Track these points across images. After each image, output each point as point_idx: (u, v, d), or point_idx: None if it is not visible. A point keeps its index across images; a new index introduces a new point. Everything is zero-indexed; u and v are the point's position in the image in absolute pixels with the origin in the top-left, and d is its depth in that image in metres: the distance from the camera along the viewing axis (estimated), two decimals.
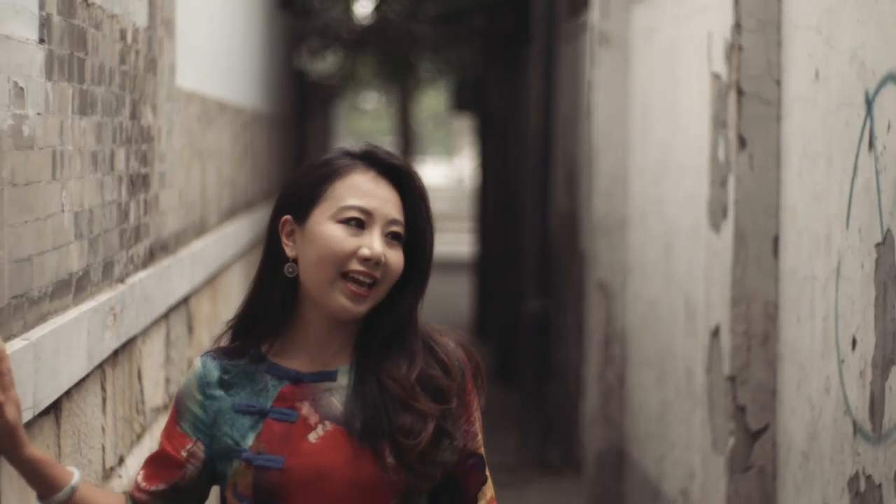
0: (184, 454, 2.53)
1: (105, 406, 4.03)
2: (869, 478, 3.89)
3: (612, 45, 7.57)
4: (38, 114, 3.09)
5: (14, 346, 2.88)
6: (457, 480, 2.55)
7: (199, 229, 5.98)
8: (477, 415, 2.58)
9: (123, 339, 4.08)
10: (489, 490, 2.59)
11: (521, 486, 9.16)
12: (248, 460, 2.46)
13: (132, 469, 4.44)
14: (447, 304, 17.98)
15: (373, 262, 2.45)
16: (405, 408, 2.46)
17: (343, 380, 2.50)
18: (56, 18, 3.25)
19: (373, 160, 2.52)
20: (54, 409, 3.35)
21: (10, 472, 2.97)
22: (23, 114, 2.96)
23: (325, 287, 2.46)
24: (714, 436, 5.19)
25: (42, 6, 3.13)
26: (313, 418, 2.48)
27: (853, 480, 4.02)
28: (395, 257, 2.49)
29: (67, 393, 3.46)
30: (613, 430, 7.67)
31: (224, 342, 2.60)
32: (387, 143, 46.56)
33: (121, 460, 4.30)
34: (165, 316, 5.04)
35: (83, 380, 3.64)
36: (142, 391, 4.64)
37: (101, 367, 3.91)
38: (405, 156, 36.73)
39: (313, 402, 2.49)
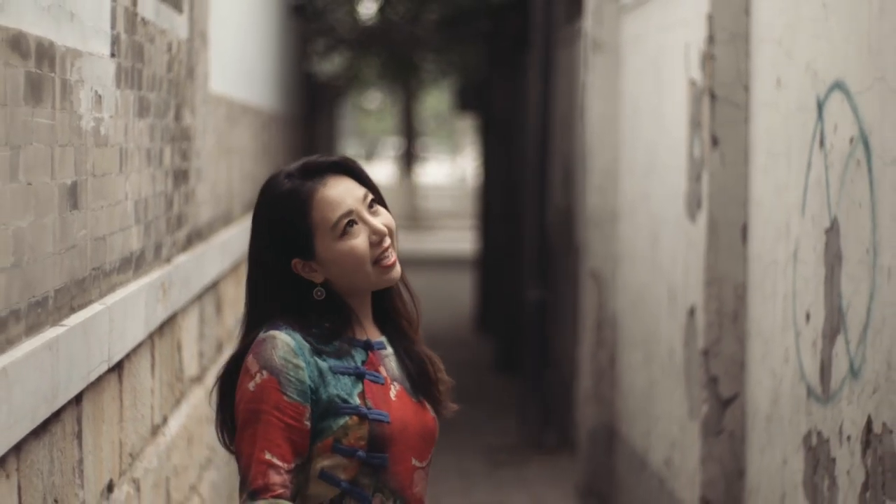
0: (307, 423, 2.75)
1: (153, 371, 4.62)
2: (819, 434, 4.47)
3: (604, 51, 8.13)
4: (111, 117, 3.69)
5: (94, 309, 3.48)
6: None
7: (226, 220, 6.58)
8: None
9: (170, 312, 4.67)
10: None
11: (520, 464, 9.77)
12: (364, 415, 2.78)
13: (173, 428, 5.03)
14: (451, 298, 18.55)
15: (384, 237, 2.86)
16: (420, 351, 2.97)
17: (389, 348, 2.93)
18: (123, 36, 3.85)
19: (316, 171, 2.86)
20: (118, 367, 3.95)
21: (92, 413, 3.58)
22: (100, 117, 3.56)
23: (366, 280, 2.86)
24: (690, 405, 5.79)
25: (113, 26, 3.73)
26: (388, 380, 2.87)
27: (807, 437, 4.60)
28: (386, 217, 2.89)
29: (128, 355, 4.05)
30: (605, 408, 8.24)
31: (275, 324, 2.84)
32: (390, 142, 47.16)
33: (164, 420, 4.89)
34: (200, 296, 5.64)
35: (139, 345, 4.24)
36: (181, 361, 5.24)
37: (151, 336, 4.51)
38: (408, 155, 37.28)
39: (384, 366, 2.88)
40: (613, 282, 8.18)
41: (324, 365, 2.78)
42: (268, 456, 2.70)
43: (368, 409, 2.78)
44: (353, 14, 21.77)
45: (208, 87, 5.78)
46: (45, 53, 2.99)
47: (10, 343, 2.77)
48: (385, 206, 2.93)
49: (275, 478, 2.69)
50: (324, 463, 2.77)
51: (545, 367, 10.65)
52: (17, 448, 2.84)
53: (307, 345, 2.78)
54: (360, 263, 2.83)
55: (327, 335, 2.82)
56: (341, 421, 2.76)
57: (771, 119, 5.16)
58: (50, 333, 3.02)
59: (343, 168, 2.89)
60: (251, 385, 2.74)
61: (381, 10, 21.16)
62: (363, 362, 2.83)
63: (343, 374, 2.79)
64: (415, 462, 2.86)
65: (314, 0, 16.22)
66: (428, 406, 2.92)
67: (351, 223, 2.83)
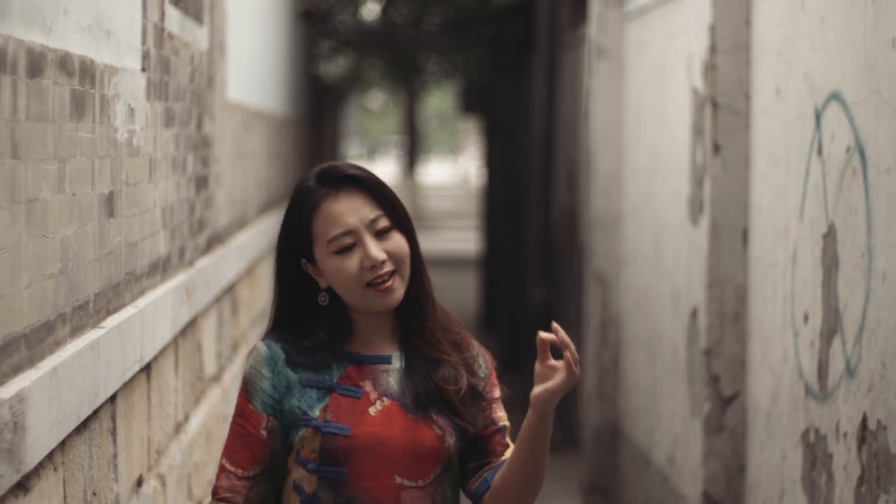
0: (264, 432, 2.78)
1: (177, 370, 4.81)
2: (817, 431, 4.65)
3: (608, 57, 8.29)
4: (142, 128, 3.88)
5: (128, 312, 3.67)
6: (483, 443, 2.91)
7: (242, 223, 6.77)
8: (499, 397, 2.96)
9: (193, 313, 4.86)
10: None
11: None
12: (317, 427, 2.75)
13: (194, 426, 5.21)
14: (455, 298, 18.71)
15: (379, 263, 2.77)
16: (440, 364, 2.87)
17: (397, 363, 2.86)
18: (152, 51, 4.04)
19: (333, 179, 2.80)
20: (147, 368, 4.14)
21: (125, 410, 3.76)
22: (133, 129, 3.74)
23: (360, 300, 2.81)
24: (693, 403, 5.97)
25: (144, 41, 3.91)
26: (373, 395, 2.81)
27: (805, 434, 4.77)
28: (395, 244, 2.81)
29: (155, 356, 4.24)
30: (609, 406, 8.41)
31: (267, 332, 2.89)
32: (393, 142, 47.37)
33: (186, 417, 5.07)
34: (218, 298, 5.82)
35: (165, 347, 4.43)
36: (201, 361, 5.42)
37: (175, 337, 4.69)
38: (411, 154, 37.46)
39: (373, 381, 2.82)
40: (617, 283, 8.34)
41: (294, 377, 2.79)
42: (224, 461, 2.80)
43: (326, 422, 2.76)
44: (356, 16, 21.94)
45: (226, 95, 5.96)
46: (87, 71, 3.18)
47: (57, 344, 2.96)
48: (405, 229, 2.84)
49: (223, 482, 2.78)
50: (296, 474, 2.80)
51: None
52: (63, 444, 3.03)
53: (283, 356, 2.80)
54: (350, 284, 2.78)
55: (316, 347, 2.82)
56: (300, 433, 2.77)
57: (771, 127, 5.33)
58: (91, 335, 3.21)
59: (362, 183, 2.81)
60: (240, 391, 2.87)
61: (384, 12, 21.32)
62: (340, 376, 2.81)
63: (312, 387, 2.79)
64: (400, 480, 2.79)
65: (319, 4, 16.39)
66: (435, 424, 2.83)
67: (349, 244, 2.78)
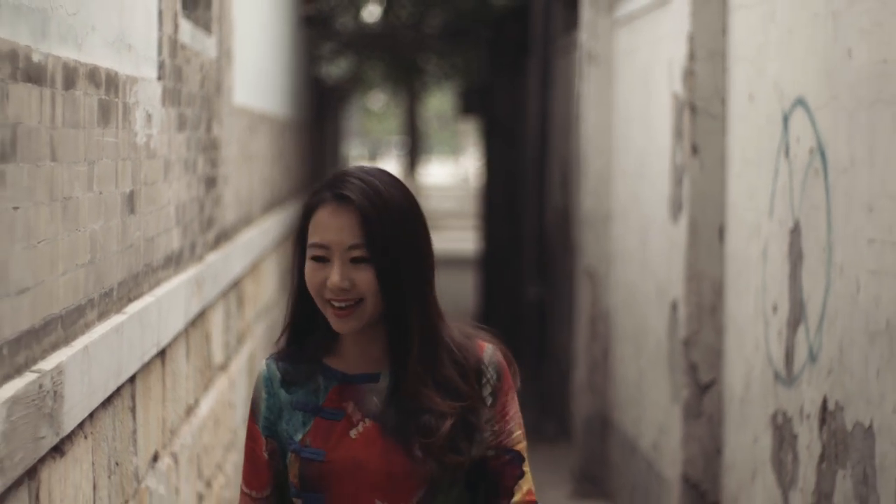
0: (265, 454, 2.75)
1: (188, 357, 5.15)
2: (784, 413, 4.99)
3: (598, 63, 8.62)
4: (158, 132, 4.23)
5: (146, 300, 4.02)
6: (494, 474, 2.75)
7: (247, 221, 7.12)
8: (513, 414, 2.76)
9: (202, 304, 5.21)
10: (526, 483, 2.77)
11: None
12: (296, 452, 2.70)
13: (204, 410, 5.56)
14: (454, 295, 19.03)
15: (337, 289, 2.64)
16: (425, 410, 2.69)
17: (384, 382, 2.72)
18: (167, 60, 4.39)
19: (337, 189, 2.67)
20: (162, 353, 4.48)
21: (142, 391, 4.12)
22: (150, 133, 4.10)
23: (323, 310, 2.70)
24: (673, 390, 6.32)
25: (160, 52, 4.27)
26: (356, 416, 2.71)
27: (774, 417, 5.11)
28: (362, 278, 2.64)
29: (169, 343, 4.59)
30: (599, 397, 8.74)
31: (282, 345, 2.80)
32: (394, 142, 47.71)
33: (196, 402, 5.42)
34: (226, 292, 6.17)
35: (178, 335, 4.77)
36: (209, 350, 5.77)
37: (186, 327, 5.04)
38: (412, 155, 37.75)
39: (357, 402, 2.72)
40: (607, 279, 8.67)
41: (286, 398, 2.75)
42: (242, 483, 2.80)
43: (305, 447, 2.70)
44: (357, 19, 22.23)
45: (233, 100, 6.31)
46: (112, 82, 3.53)
47: (87, 326, 3.32)
48: (384, 263, 2.65)
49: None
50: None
51: (543, 360, 11.14)
52: (91, 416, 3.38)
53: (279, 376, 2.75)
54: (313, 293, 2.69)
55: (311, 361, 2.76)
56: (287, 457, 2.73)
57: (744, 130, 5.68)
58: (115, 320, 3.56)
59: (359, 208, 2.65)
60: None
61: (385, 14, 21.62)
62: (326, 398, 2.73)
63: (299, 409, 2.74)
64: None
65: (321, 7, 16.71)
66: (416, 448, 2.69)
67: (322, 257, 2.67)
